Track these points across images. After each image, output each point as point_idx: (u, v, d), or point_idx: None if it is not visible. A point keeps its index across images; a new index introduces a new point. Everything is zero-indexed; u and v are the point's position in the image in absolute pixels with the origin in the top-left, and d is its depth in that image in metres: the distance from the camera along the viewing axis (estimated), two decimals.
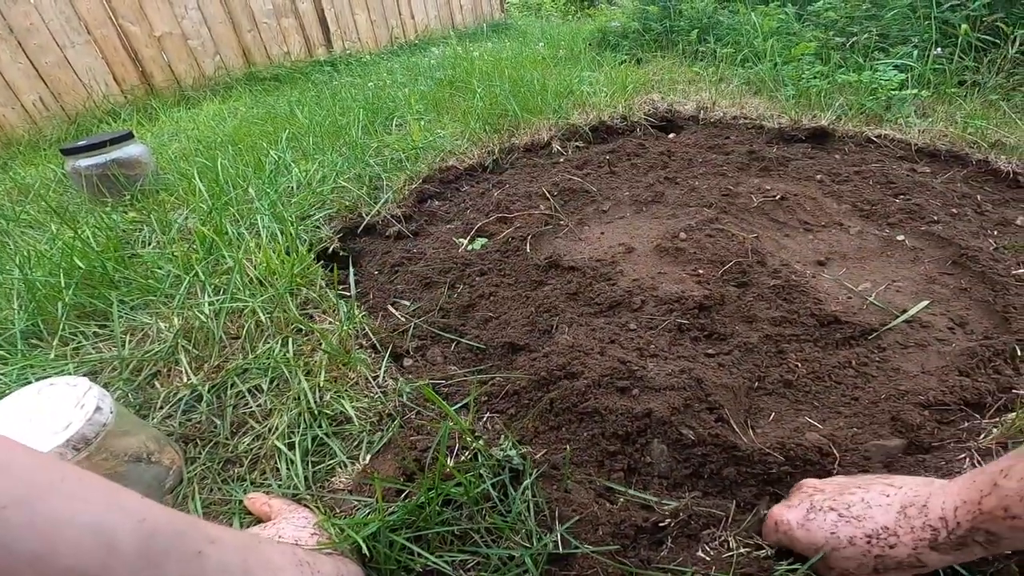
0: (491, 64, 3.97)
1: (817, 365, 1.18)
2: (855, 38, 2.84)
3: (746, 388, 1.14)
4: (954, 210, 1.65)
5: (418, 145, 2.44)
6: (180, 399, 1.12)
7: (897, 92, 2.25)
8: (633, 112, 2.80)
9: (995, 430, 0.92)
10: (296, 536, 0.75)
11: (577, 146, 2.56)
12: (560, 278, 1.56)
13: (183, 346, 1.26)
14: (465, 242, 1.81)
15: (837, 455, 0.95)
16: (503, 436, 1.04)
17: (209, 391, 1.13)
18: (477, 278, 1.63)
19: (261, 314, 1.34)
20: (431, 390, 1.09)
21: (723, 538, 0.87)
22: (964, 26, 2.43)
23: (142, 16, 4.44)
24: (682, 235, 1.64)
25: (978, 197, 1.73)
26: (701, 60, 3.74)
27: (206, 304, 1.37)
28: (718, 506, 0.90)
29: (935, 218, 1.60)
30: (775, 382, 1.16)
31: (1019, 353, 1.13)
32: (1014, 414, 0.93)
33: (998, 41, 2.40)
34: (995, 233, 1.57)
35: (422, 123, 2.74)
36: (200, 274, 1.51)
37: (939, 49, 2.46)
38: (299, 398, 1.08)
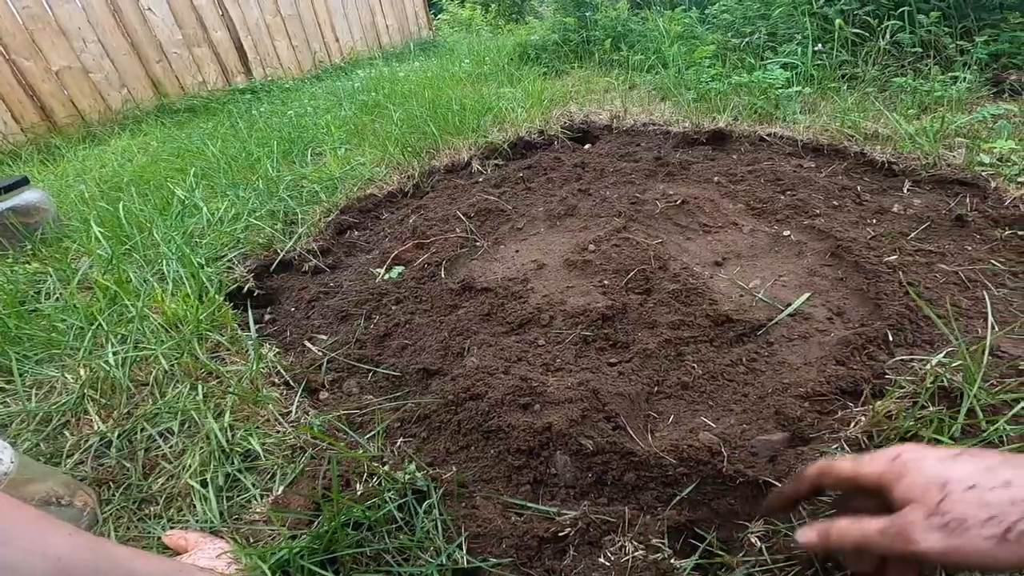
0: (414, 85, 3.98)
1: (712, 365, 1.24)
2: (748, 38, 3.01)
3: (646, 394, 1.19)
4: (835, 202, 1.78)
5: (335, 175, 2.42)
6: (90, 446, 1.16)
7: (783, 90, 2.41)
8: (550, 126, 2.87)
9: (863, 418, 0.99)
10: (212, 565, 0.79)
11: (496, 164, 2.60)
12: (473, 300, 1.58)
13: (90, 396, 1.28)
14: (382, 272, 1.80)
15: (726, 453, 1.01)
16: (406, 460, 1.07)
17: (118, 437, 1.17)
18: (393, 307, 1.63)
19: (164, 362, 1.35)
20: (316, 429, 1.16)
21: (621, 543, 0.91)
22: (839, 20, 2.63)
23: (35, 51, 4.19)
24: (591, 247, 1.70)
25: (858, 188, 1.87)
26: (615, 68, 3.88)
27: (110, 354, 1.36)
28: (615, 512, 0.94)
29: (818, 211, 1.72)
30: (673, 385, 1.21)
31: (891, 338, 1.23)
32: (882, 400, 1.01)
33: (868, 35, 2.61)
34: (873, 222, 1.71)
35: (340, 152, 2.71)
36: (103, 325, 1.49)
37: (819, 45, 2.65)
38: (209, 438, 1.13)
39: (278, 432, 1.18)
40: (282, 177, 2.38)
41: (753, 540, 0.90)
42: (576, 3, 4.56)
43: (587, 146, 2.73)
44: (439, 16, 10.41)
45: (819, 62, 2.64)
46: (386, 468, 1.03)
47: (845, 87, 2.53)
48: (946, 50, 2.56)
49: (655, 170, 2.22)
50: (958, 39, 2.56)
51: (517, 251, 1.82)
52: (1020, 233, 1.58)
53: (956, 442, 0.91)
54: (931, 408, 0.96)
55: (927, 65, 2.48)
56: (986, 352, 1.00)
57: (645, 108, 2.89)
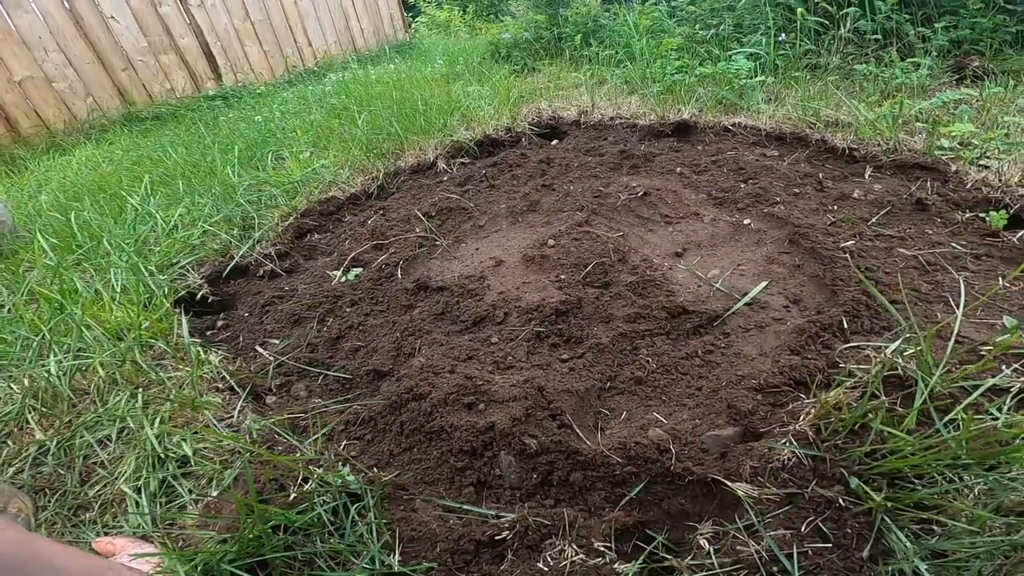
0: (384, 87, 3.92)
1: (667, 358, 1.21)
2: (715, 30, 3.00)
3: (597, 390, 1.16)
4: (796, 190, 1.77)
5: (296, 179, 2.36)
6: (29, 455, 1.17)
7: (747, 80, 2.39)
8: (518, 123, 2.83)
9: (812, 410, 0.96)
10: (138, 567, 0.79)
11: (462, 163, 2.56)
12: (429, 300, 1.54)
13: (31, 405, 1.28)
14: (338, 274, 1.76)
15: (675, 450, 0.97)
16: (340, 463, 1.04)
17: (57, 445, 1.18)
18: (347, 309, 1.59)
19: (102, 370, 1.33)
20: (254, 434, 1.13)
21: (561, 547, 0.87)
22: (800, 9, 2.62)
23: None
24: (550, 242, 1.66)
25: (819, 175, 1.86)
26: (586, 64, 3.85)
27: (53, 364, 1.34)
28: (556, 515, 0.90)
29: (778, 199, 1.70)
30: (627, 380, 1.18)
31: (846, 325, 1.20)
32: (831, 391, 0.98)
33: (830, 23, 2.60)
34: (834, 208, 1.69)
35: (303, 156, 2.65)
36: (47, 335, 1.46)
37: (783, 35, 2.65)
38: (144, 444, 1.13)
39: (216, 437, 1.16)
40: (241, 182, 2.32)
41: (702, 543, 0.86)
42: (547, 0, 4.53)
43: (555, 142, 2.70)
44: (417, 19, 10.36)
45: (783, 52, 2.63)
46: (320, 471, 1.00)
47: (809, 76, 2.52)
48: (907, 37, 2.57)
49: (620, 163, 2.19)
50: (919, 26, 2.57)
51: (477, 249, 1.78)
52: (981, 215, 1.57)
53: (911, 435, 0.88)
54: (883, 398, 0.93)
55: (888, 53, 2.48)
56: (952, 338, 0.97)
57: (613, 102, 2.87)
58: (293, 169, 2.45)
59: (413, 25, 9.51)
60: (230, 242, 1.99)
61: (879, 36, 2.59)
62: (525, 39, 4.59)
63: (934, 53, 2.52)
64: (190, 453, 1.10)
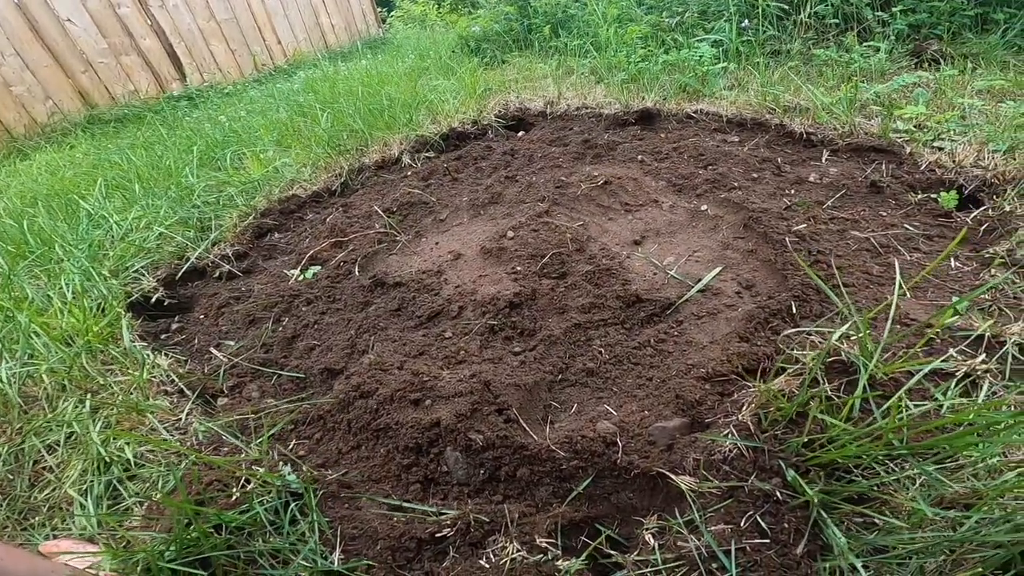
0: (352, 83, 3.86)
1: (620, 348, 1.20)
2: (680, 17, 3.00)
3: (548, 382, 1.15)
4: (755, 175, 1.77)
5: (256, 179, 2.31)
6: None
7: (710, 67, 2.39)
8: (485, 115, 2.80)
9: (753, 401, 0.96)
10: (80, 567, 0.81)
11: (427, 157, 2.52)
12: (385, 296, 1.52)
13: None
14: (296, 273, 1.72)
15: (621, 443, 0.97)
16: (283, 463, 1.04)
17: (8, 451, 1.18)
18: (303, 308, 1.56)
19: (46, 378, 1.32)
20: (200, 436, 1.12)
21: (504, 544, 0.86)
22: None
23: None
24: (509, 234, 1.65)
25: (778, 159, 1.86)
26: (555, 55, 3.83)
27: (3, 372, 1.32)
28: (498, 512, 0.89)
29: (735, 184, 1.70)
30: (578, 372, 1.17)
31: (795, 310, 1.20)
32: (772, 380, 0.98)
33: (791, 9, 2.61)
34: (791, 192, 1.69)
35: (265, 154, 2.60)
36: None
37: (746, 21, 2.65)
38: (90, 449, 1.13)
39: (164, 440, 1.16)
40: (199, 183, 2.27)
41: (647, 538, 0.85)
42: None
43: (521, 133, 2.68)
44: (392, 13, 10.22)
45: (746, 38, 2.64)
46: (262, 471, 0.99)
47: (770, 62, 2.53)
48: (866, 21, 2.58)
49: (583, 153, 2.18)
50: (877, 10, 2.59)
51: (437, 243, 1.76)
52: (934, 197, 1.59)
53: (854, 424, 0.88)
54: (824, 385, 0.93)
55: (847, 37, 2.49)
56: (890, 319, 0.97)
57: (580, 92, 2.85)
58: (253, 168, 2.40)
59: (388, 20, 9.39)
60: (186, 244, 1.95)
61: (838, 20, 2.61)
62: (495, 31, 4.55)
63: (892, 37, 2.55)
64: (131, 457, 1.09)
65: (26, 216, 2.33)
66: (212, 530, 0.87)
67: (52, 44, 4.41)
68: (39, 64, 4.36)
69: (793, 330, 1.12)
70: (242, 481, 0.97)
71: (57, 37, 4.45)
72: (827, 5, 2.49)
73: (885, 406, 0.90)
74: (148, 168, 2.63)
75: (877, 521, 0.78)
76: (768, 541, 0.78)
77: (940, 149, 1.76)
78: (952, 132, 1.83)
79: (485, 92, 3.08)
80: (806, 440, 0.86)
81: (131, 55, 4.85)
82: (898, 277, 0.91)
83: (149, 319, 1.70)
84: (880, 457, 0.83)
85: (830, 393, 0.93)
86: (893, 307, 0.92)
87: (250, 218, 2.10)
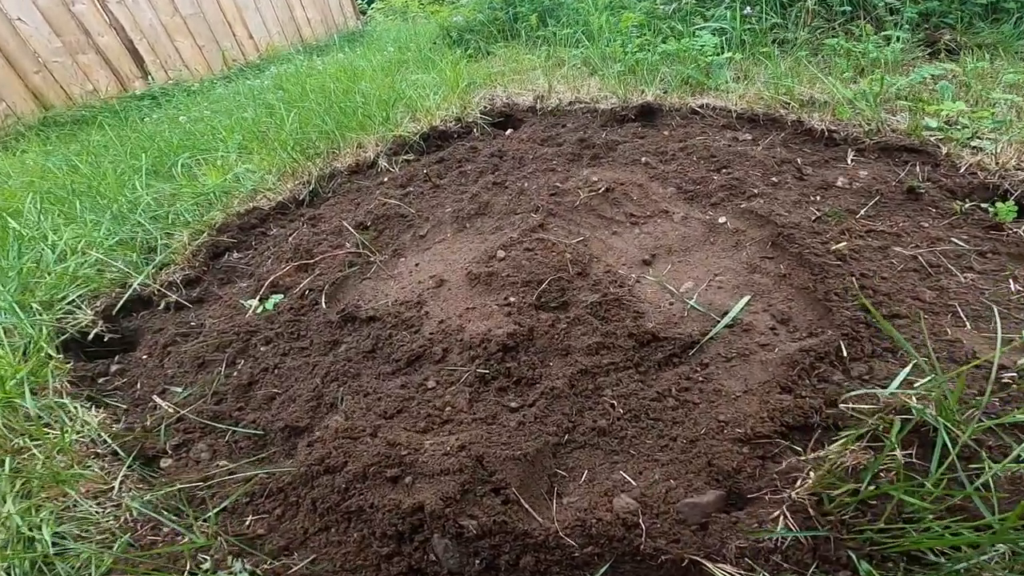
0: (326, 78, 3.60)
1: (635, 400, 1.00)
2: (677, 4, 2.78)
3: (552, 446, 0.94)
4: (775, 179, 1.57)
5: (212, 189, 2.07)
6: None
7: (714, 57, 2.18)
8: (469, 112, 2.57)
9: (812, 474, 0.76)
10: None
11: (406, 159, 2.29)
12: (357, 333, 1.29)
13: None
14: (255, 303, 1.49)
15: (645, 525, 0.77)
16: (233, 556, 0.86)
17: None
18: (262, 348, 1.34)
19: None
20: (135, 512, 0.91)
21: None
22: None
23: None
24: (500, 254, 1.43)
25: (798, 160, 1.66)
26: (543, 45, 3.60)
27: None
28: None
29: (756, 191, 1.50)
30: (587, 431, 0.96)
31: (844, 351, 1.00)
32: (834, 447, 0.78)
33: None
34: (817, 199, 1.50)
35: (225, 160, 2.35)
36: None
37: (748, 8, 2.44)
38: (7, 523, 0.97)
39: (95, 515, 0.99)
40: (147, 196, 2.01)
41: None
42: None
43: (508, 131, 2.45)
44: (373, 5, 9.87)
45: (749, 26, 2.43)
46: (207, 567, 0.84)
47: (777, 51, 2.32)
48: (876, 10, 2.39)
49: (579, 154, 1.96)
50: None
51: (417, 265, 1.54)
52: (982, 205, 1.39)
53: (934, 503, 0.69)
54: (899, 454, 0.73)
55: (858, 26, 2.30)
56: (991, 381, 0.77)
57: (572, 85, 2.63)
58: (210, 177, 2.15)
59: (368, 12, 9.06)
60: (128, 271, 1.70)
61: (847, 8, 2.41)
62: (479, 21, 4.29)
63: (905, 26, 2.35)
64: (47, 537, 0.92)
65: None
66: None
67: (2, 44, 4.07)
68: None
69: (857, 385, 0.91)
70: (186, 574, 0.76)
71: (7, 36, 4.10)
72: None
73: (982, 480, 0.71)
74: (93, 179, 2.36)
75: None
76: None
77: (980, 150, 1.57)
78: (988, 130, 1.64)
79: (469, 86, 2.84)
80: (882, 526, 0.67)
81: (88, 53, 4.51)
82: (999, 324, 0.71)
83: (86, 358, 1.48)
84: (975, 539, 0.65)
85: (905, 463, 0.74)
86: (995, 365, 0.72)
87: (204, 236, 1.85)
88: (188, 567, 0.85)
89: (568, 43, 3.23)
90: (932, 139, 1.63)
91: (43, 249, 1.78)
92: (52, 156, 3.21)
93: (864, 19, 2.50)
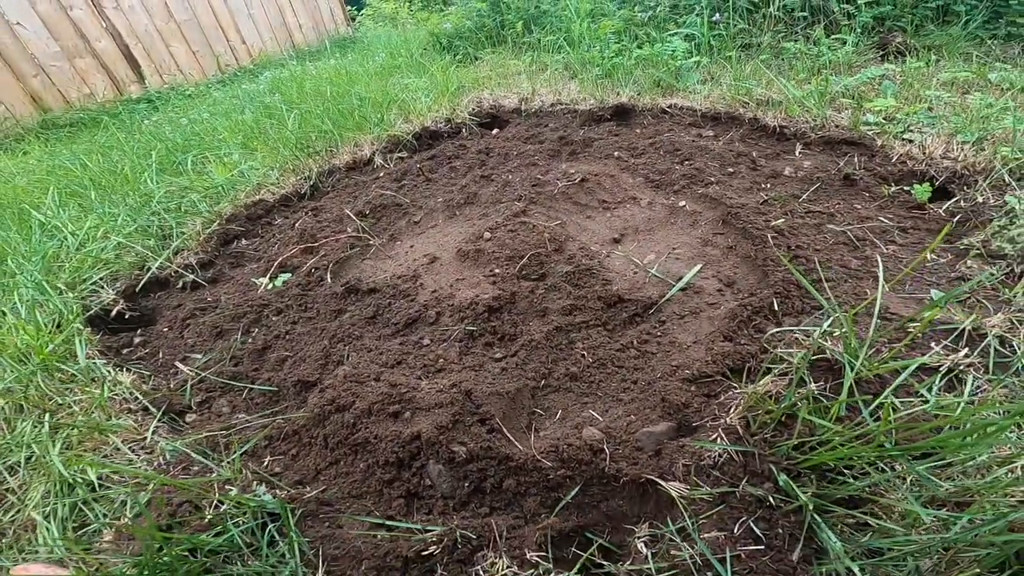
0: (321, 82, 3.76)
1: (603, 351, 1.17)
2: (652, 12, 2.99)
3: (531, 389, 1.11)
4: (731, 169, 1.76)
5: (220, 183, 2.22)
6: None
7: (683, 61, 2.38)
8: (458, 113, 2.75)
9: (741, 402, 0.94)
10: None
11: (400, 157, 2.46)
12: (359, 303, 1.46)
13: None
14: (265, 281, 1.65)
15: (608, 451, 0.94)
16: (257, 482, 0.99)
17: None
18: (274, 318, 1.50)
19: (1, 399, 1.26)
20: (168, 455, 1.08)
21: (493, 559, 0.82)
22: None
23: None
24: (486, 235, 1.60)
25: (753, 154, 1.86)
26: (529, 51, 3.79)
27: None
28: (486, 526, 0.85)
29: (713, 179, 1.69)
30: (561, 376, 1.14)
31: (777, 307, 1.19)
32: (760, 380, 0.96)
33: (759, 2, 2.62)
34: (767, 186, 1.69)
35: (230, 158, 2.50)
36: None
37: (717, 15, 2.65)
38: (51, 471, 1.08)
39: (128, 461, 1.12)
40: (159, 189, 2.16)
41: (639, 547, 0.83)
42: None
43: (495, 131, 2.63)
44: (362, 12, 10.04)
45: (718, 32, 2.64)
46: (234, 492, 0.95)
47: (742, 55, 2.53)
48: (833, 14, 2.61)
49: (559, 150, 2.15)
50: (843, 3, 2.62)
51: (412, 246, 1.71)
52: (907, 189, 1.60)
53: (842, 424, 0.86)
54: (811, 385, 0.91)
55: (815, 30, 2.52)
56: (875, 315, 0.95)
57: (554, 89, 2.82)
58: (218, 172, 2.30)
59: (357, 19, 9.21)
60: (147, 254, 1.85)
61: (806, 14, 2.63)
62: (467, 28, 4.48)
63: (859, 30, 2.58)
64: (94, 479, 1.04)
65: None
66: (186, 553, 0.82)
67: (1, 48, 4.19)
68: None
69: (778, 329, 1.10)
70: (214, 502, 0.91)
71: (7, 40, 4.22)
72: None
73: (873, 405, 0.89)
74: (105, 174, 2.51)
75: (870, 523, 0.76)
76: (763, 547, 0.77)
77: (910, 141, 1.78)
78: (921, 124, 1.85)
79: (458, 90, 3.03)
80: (796, 443, 0.84)
81: (85, 58, 4.64)
82: (881, 274, 0.90)
83: (110, 333, 1.62)
84: (871, 458, 0.82)
85: (817, 393, 0.92)
86: (878, 304, 0.90)
87: (215, 224, 2.01)
88: (216, 496, 0.98)
89: (551, 49, 3.43)
90: (869, 133, 1.83)
91: (65, 236, 1.93)
92: (59, 156, 3.34)
93: (822, 24, 2.72)
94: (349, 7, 8.16)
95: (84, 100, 4.62)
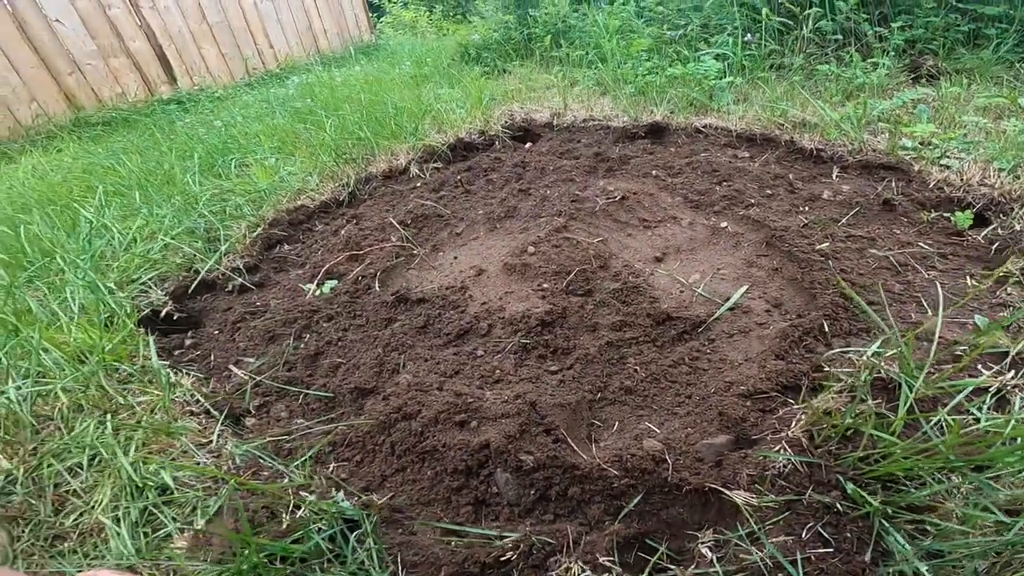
0: (351, 89, 3.83)
1: (655, 366, 1.21)
2: (683, 31, 3.04)
3: (588, 401, 1.14)
4: (769, 191, 1.79)
5: (262, 187, 2.28)
6: None
7: (717, 81, 2.43)
8: (491, 126, 2.80)
9: (803, 417, 0.97)
10: None
11: (436, 167, 2.51)
12: (409, 312, 1.50)
13: None
14: (312, 287, 1.70)
15: (671, 461, 0.97)
16: (334, 489, 1.02)
17: (24, 474, 1.14)
18: (324, 324, 1.53)
19: (63, 396, 1.27)
20: (237, 460, 1.08)
21: (567, 564, 0.86)
22: (765, 10, 2.67)
23: None
24: (530, 249, 1.64)
25: (790, 176, 1.89)
26: (557, 65, 3.85)
27: (12, 390, 1.27)
28: (558, 532, 0.89)
29: (752, 201, 1.72)
30: (616, 390, 1.17)
31: (827, 328, 1.22)
32: (821, 396, 1.00)
33: (793, 23, 2.66)
34: (805, 209, 1.72)
35: (269, 162, 2.56)
36: (2, 359, 1.39)
37: (749, 35, 2.69)
38: (119, 472, 1.09)
39: (197, 464, 1.12)
40: (203, 192, 2.22)
41: (704, 551, 0.86)
42: (517, 0, 4.51)
43: (528, 145, 2.68)
44: (382, 19, 10.18)
45: (749, 52, 2.68)
46: (312, 499, 0.97)
47: (774, 76, 2.57)
48: (865, 37, 2.65)
49: (595, 166, 2.19)
50: (876, 26, 2.65)
51: (456, 257, 1.75)
52: (945, 215, 1.63)
53: (899, 438, 0.90)
54: (870, 402, 0.95)
55: (848, 52, 2.55)
56: (935, 342, 0.99)
57: (585, 104, 2.87)
58: (259, 177, 2.36)
59: (378, 25, 9.35)
60: (194, 255, 1.90)
61: (839, 36, 2.67)
62: (495, 40, 4.55)
63: (891, 52, 2.61)
64: (170, 482, 1.05)
65: (20, 223, 2.25)
66: (266, 560, 0.85)
67: (39, 45, 4.29)
68: (25, 65, 4.24)
69: (838, 350, 1.13)
70: (291, 508, 0.94)
71: (45, 38, 4.33)
72: (828, 21, 2.55)
73: (933, 422, 0.93)
74: (145, 174, 2.57)
75: (928, 528, 0.81)
76: (832, 550, 0.81)
77: (947, 167, 1.81)
78: (957, 150, 1.88)
79: (489, 102, 3.08)
80: (862, 455, 0.88)
81: (120, 57, 4.74)
82: (941, 300, 0.93)
83: (161, 334, 1.66)
84: (931, 469, 0.86)
85: (876, 410, 0.95)
86: (938, 329, 0.94)
87: (259, 229, 2.06)
88: (293, 501, 0.98)
89: (581, 64, 3.48)
90: (907, 157, 1.86)
91: (113, 235, 1.98)
92: (93, 154, 3.42)
93: (854, 46, 2.76)
94: (371, 14, 8.27)
95: (116, 99, 4.72)
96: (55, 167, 3.47)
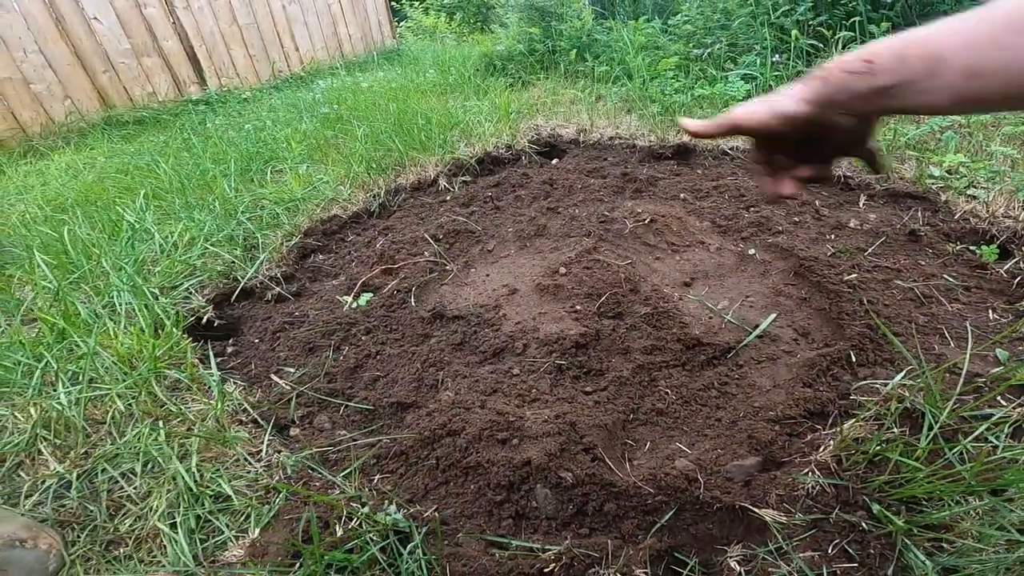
0: (377, 96, 3.91)
1: (685, 390, 1.25)
2: (710, 49, 3.07)
3: (622, 422, 1.19)
4: (796, 218, 1.83)
5: (297, 196, 2.34)
6: (48, 487, 1.15)
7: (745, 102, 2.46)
8: (518, 140, 2.86)
9: (831, 442, 1.02)
10: None
11: (464, 181, 2.57)
12: (445, 329, 1.55)
13: (42, 436, 1.26)
14: (349, 299, 1.75)
15: (702, 480, 1.02)
16: (385, 500, 1.06)
17: (78, 478, 1.17)
18: (363, 337, 1.59)
19: (119, 402, 1.31)
20: (289, 470, 1.12)
21: None
22: (795, 31, 2.71)
23: None
24: (562, 270, 1.69)
25: (816, 203, 1.93)
26: (581, 79, 3.90)
27: (62, 393, 1.32)
28: (597, 545, 0.93)
29: (780, 228, 1.76)
30: (648, 411, 1.22)
31: (854, 358, 1.26)
32: (849, 423, 1.04)
33: (823, 45, 2.69)
34: (832, 237, 1.76)
35: (302, 170, 2.63)
36: (52, 362, 1.43)
37: (777, 56, 2.73)
38: (175, 479, 1.13)
39: (249, 473, 1.17)
40: (240, 198, 2.29)
41: (732, 564, 0.91)
42: (541, 13, 4.56)
43: (554, 161, 2.73)
44: (402, 23, 10.28)
45: (777, 73, 2.71)
46: (366, 510, 1.02)
47: None
48: None
49: (623, 186, 2.23)
50: None
51: (488, 275, 1.80)
52: (971, 248, 1.65)
53: (924, 464, 0.94)
54: (896, 430, 0.99)
55: None
56: (962, 377, 1.04)
57: (611, 121, 2.91)
58: (293, 184, 2.43)
59: (399, 30, 9.45)
60: (233, 263, 1.97)
61: None
62: (519, 51, 4.61)
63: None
64: (229, 491, 1.09)
65: (62, 224, 2.33)
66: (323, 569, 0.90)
67: (76, 42, 4.41)
68: (61, 62, 4.36)
69: (866, 381, 1.18)
70: (344, 518, 0.99)
71: (82, 35, 4.45)
72: (859, 43, 2.58)
73: (956, 450, 0.98)
74: (182, 178, 2.65)
75: (946, 545, 0.87)
76: (856, 565, 0.86)
77: (974, 198, 1.83)
78: (984, 180, 1.90)
79: (516, 115, 3.14)
80: (888, 479, 0.93)
81: (152, 56, 4.85)
82: (970, 337, 0.97)
83: (203, 341, 1.72)
84: (954, 493, 0.92)
85: (902, 438, 1.00)
86: (966, 364, 0.98)
87: (295, 238, 2.12)
88: (345, 512, 1.02)
89: (606, 80, 3.53)
90: (934, 187, 1.89)
91: (154, 239, 2.06)
92: (124, 154, 3.51)
93: None
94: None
95: (147, 99, 4.83)
96: (88, 165, 3.57)
